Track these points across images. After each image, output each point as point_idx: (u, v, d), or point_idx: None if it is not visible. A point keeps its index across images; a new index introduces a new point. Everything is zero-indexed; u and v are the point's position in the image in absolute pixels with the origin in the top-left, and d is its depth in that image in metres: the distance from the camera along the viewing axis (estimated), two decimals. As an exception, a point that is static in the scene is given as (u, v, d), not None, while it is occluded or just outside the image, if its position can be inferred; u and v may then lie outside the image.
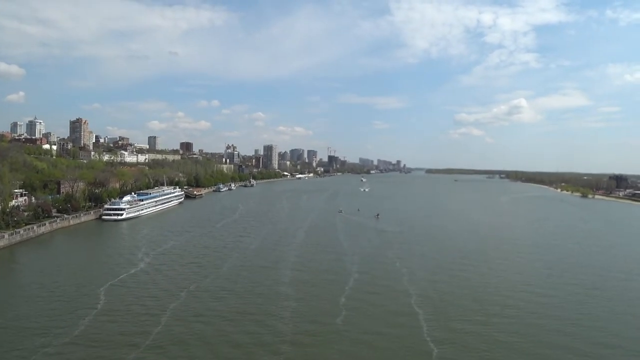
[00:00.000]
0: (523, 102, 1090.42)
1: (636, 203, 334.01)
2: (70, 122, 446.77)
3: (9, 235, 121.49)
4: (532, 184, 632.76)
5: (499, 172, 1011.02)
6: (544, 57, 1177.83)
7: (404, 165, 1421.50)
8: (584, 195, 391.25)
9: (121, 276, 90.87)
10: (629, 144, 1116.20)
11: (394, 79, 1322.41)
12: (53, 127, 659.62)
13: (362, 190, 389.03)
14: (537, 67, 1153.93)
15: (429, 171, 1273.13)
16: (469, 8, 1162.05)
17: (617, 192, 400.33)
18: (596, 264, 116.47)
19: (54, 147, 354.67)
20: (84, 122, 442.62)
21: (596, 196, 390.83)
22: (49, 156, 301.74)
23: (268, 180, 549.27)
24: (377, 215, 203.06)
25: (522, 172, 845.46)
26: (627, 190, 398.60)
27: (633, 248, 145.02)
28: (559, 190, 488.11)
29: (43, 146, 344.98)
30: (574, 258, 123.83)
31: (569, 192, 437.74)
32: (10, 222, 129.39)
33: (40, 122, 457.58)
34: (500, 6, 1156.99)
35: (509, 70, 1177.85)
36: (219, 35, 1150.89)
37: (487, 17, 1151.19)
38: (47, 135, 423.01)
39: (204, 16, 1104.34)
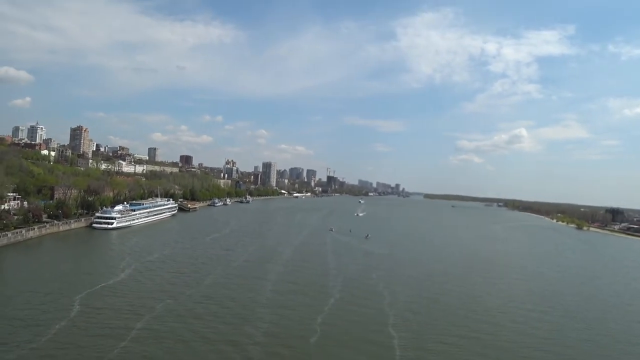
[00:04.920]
0: (524, 131, 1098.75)
1: (630, 237, 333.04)
2: (71, 129, 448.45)
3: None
4: (529, 213, 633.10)
5: (498, 200, 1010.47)
6: (545, 88, 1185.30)
7: (403, 189, 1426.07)
8: (579, 227, 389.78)
9: (100, 285, 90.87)
10: (628, 177, 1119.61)
11: (398, 103, 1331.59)
12: (55, 134, 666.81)
13: (356, 215, 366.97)
14: (538, 98, 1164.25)
15: (427, 196, 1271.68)
16: (473, 37, 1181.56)
17: (613, 226, 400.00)
18: (577, 293, 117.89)
19: (52, 153, 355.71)
20: (85, 130, 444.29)
21: (591, 228, 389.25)
22: (47, 162, 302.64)
23: (265, 197, 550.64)
24: (367, 235, 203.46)
25: (520, 201, 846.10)
26: (623, 224, 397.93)
27: (617, 280, 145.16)
28: (554, 220, 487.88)
29: (42, 152, 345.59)
30: (556, 286, 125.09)
31: (564, 223, 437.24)
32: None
33: (42, 128, 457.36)
34: (505, 37, 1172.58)
35: (511, 99, 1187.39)
36: (226, 52, 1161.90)
37: (491, 47, 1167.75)
38: (47, 141, 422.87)
39: (213, 33, 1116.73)
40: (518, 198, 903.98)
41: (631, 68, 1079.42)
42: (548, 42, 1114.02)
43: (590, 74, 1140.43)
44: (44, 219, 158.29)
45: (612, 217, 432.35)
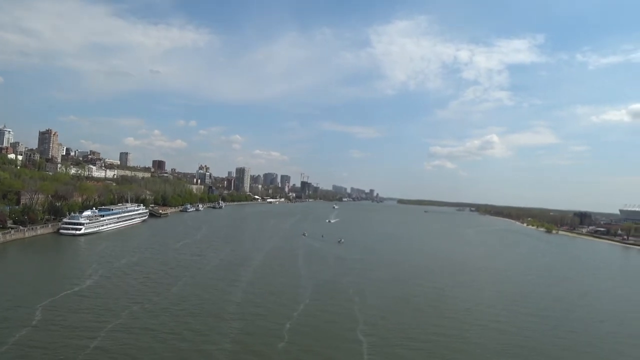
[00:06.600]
0: (495, 137, 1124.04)
1: (597, 239, 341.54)
2: (40, 132, 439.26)
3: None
4: (500, 218, 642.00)
5: (470, 205, 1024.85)
6: (516, 95, 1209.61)
7: (377, 194, 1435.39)
8: (549, 231, 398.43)
9: (65, 292, 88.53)
10: (595, 182, 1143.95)
11: (372, 109, 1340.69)
12: (24, 137, 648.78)
13: (328, 221, 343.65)
14: (509, 105, 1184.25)
15: (401, 201, 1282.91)
16: (446, 45, 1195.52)
17: (581, 229, 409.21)
18: (545, 295, 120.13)
19: (20, 157, 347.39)
20: (54, 134, 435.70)
21: (560, 232, 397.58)
22: (13, 166, 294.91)
23: (238, 202, 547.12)
24: (340, 240, 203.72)
25: (492, 206, 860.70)
26: (590, 227, 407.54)
27: (583, 281, 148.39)
28: (525, 224, 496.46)
29: (8, 156, 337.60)
30: (525, 288, 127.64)
31: (535, 227, 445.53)
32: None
33: (9, 131, 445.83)
34: (477, 45, 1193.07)
35: (483, 106, 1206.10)
36: (201, 57, 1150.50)
37: (463, 54, 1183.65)
38: (14, 145, 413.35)
39: (188, 37, 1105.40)
40: (490, 203, 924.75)
41: (598, 76, 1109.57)
42: (519, 50, 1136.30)
43: (559, 81, 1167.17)
44: (9, 225, 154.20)
45: (580, 221, 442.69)
